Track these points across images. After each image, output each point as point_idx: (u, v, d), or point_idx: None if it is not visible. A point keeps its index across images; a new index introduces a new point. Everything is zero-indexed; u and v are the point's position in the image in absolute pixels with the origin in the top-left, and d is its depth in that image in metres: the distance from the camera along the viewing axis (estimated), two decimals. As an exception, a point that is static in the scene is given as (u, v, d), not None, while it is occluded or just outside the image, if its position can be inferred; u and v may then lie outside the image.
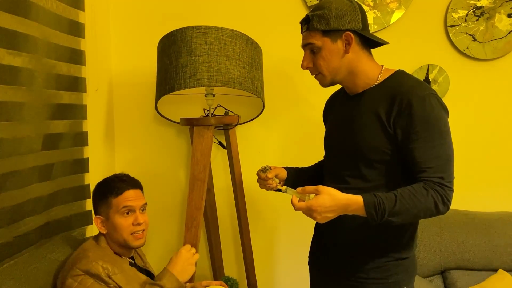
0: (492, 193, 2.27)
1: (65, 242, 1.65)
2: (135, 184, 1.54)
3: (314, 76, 1.42)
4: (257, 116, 2.18)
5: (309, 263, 1.57)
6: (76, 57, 1.93)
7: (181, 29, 1.85)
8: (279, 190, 1.49)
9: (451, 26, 2.18)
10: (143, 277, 1.53)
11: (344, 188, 1.30)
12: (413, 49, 2.22)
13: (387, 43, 1.37)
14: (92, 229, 1.97)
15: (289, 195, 1.30)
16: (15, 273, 1.35)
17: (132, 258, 1.59)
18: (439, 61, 2.22)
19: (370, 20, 2.16)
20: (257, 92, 1.93)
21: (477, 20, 2.17)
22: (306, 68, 1.41)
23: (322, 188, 1.24)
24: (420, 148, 1.24)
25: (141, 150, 2.37)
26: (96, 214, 1.52)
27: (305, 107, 2.27)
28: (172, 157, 2.36)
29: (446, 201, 1.23)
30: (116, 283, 1.39)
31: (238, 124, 2.07)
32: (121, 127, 2.35)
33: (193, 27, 1.83)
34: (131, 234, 1.48)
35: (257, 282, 2.21)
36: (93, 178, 2.00)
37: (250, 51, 1.93)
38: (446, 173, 1.24)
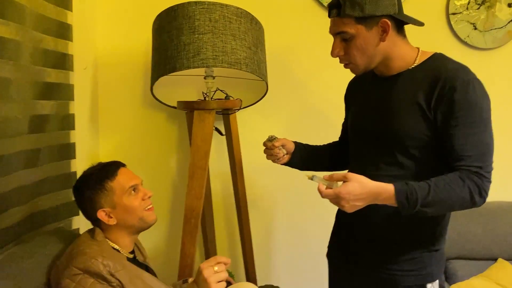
0: (493, 183, 2.26)
1: (56, 235, 1.50)
2: (119, 163, 1.47)
3: (344, 65, 1.31)
4: (259, 100, 2.06)
5: (328, 255, 1.49)
6: (64, 31, 1.75)
7: (182, 4, 1.71)
8: (286, 164, 1.45)
9: (453, 14, 2.15)
10: (145, 273, 1.40)
11: (376, 175, 1.23)
12: (413, 36, 2.13)
13: (423, 24, 1.30)
14: (79, 220, 1.81)
15: (303, 184, 1.21)
16: (9, 270, 1.19)
17: (132, 252, 1.46)
18: (439, 49, 2.14)
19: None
20: (262, 75, 1.82)
21: (478, 8, 2.15)
22: (337, 56, 1.29)
23: (351, 175, 1.16)
24: (459, 134, 1.17)
25: (128, 135, 2.20)
26: (96, 209, 1.37)
27: (306, 93, 2.17)
28: (161, 143, 2.21)
29: (483, 193, 1.18)
30: (119, 281, 1.26)
31: (240, 108, 1.94)
32: (106, 111, 2.17)
33: (195, 2, 1.69)
34: (145, 210, 1.41)
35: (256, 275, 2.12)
36: (79, 165, 1.83)
37: (255, 31, 1.82)
38: (485, 163, 1.19)
